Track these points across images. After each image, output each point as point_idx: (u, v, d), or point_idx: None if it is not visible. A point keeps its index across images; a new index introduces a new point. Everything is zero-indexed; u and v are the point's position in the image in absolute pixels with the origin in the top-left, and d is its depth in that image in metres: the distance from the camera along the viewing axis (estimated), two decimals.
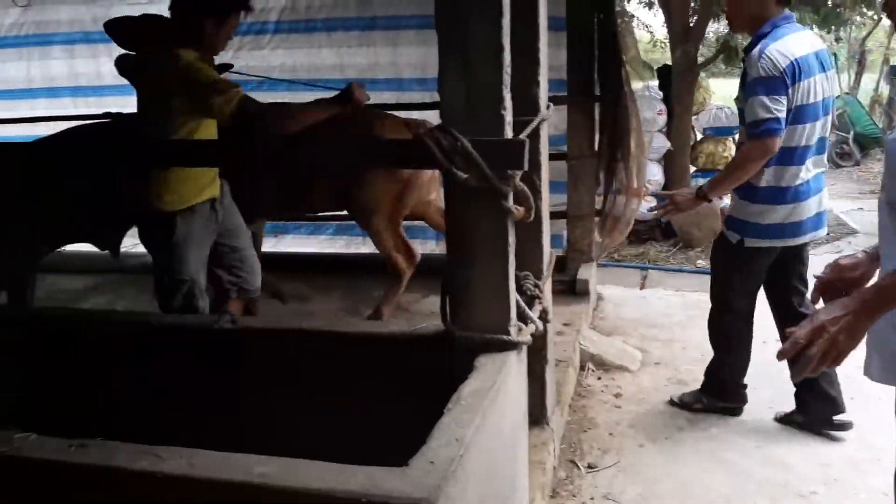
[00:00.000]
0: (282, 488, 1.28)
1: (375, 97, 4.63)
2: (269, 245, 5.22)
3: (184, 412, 2.10)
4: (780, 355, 1.37)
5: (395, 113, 4.78)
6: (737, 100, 3.20)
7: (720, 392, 3.16)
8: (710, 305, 3.16)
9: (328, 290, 4.45)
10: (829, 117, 2.87)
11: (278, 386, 2.14)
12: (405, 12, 4.65)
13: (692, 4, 6.92)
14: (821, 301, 1.61)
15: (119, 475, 1.36)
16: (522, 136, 1.92)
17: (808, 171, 2.82)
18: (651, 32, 10.12)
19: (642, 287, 5.20)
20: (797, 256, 2.96)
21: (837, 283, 1.61)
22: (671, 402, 3.26)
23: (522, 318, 1.97)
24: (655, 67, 7.62)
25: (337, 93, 2.67)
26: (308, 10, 4.79)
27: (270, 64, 4.92)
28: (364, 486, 1.25)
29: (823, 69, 2.79)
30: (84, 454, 1.41)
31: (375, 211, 3.66)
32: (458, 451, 1.35)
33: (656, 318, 4.38)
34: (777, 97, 2.66)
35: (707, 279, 3.21)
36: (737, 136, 6.61)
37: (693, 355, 3.72)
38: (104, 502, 1.41)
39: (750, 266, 2.95)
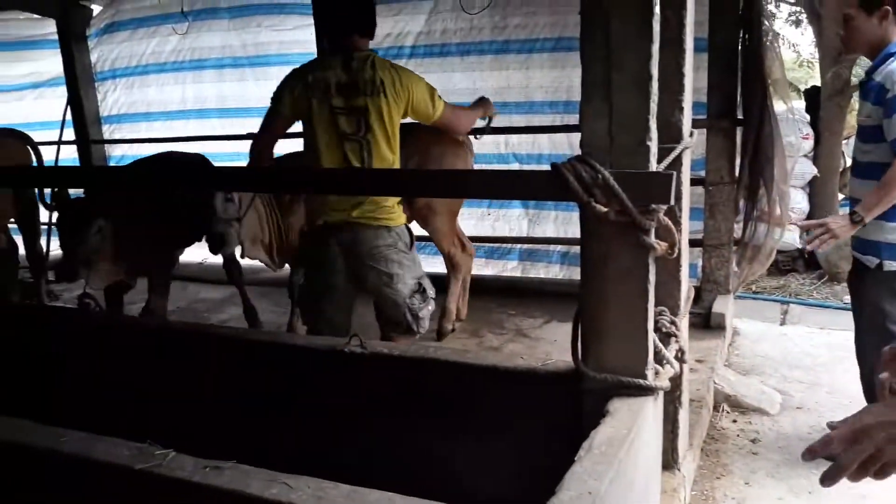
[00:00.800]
0: None
1: (506, 120, 4.66)
2: None
3: (309, 430, 2.13)
4: (807, 454, 1.07)
5: (525, 136, 4.80)
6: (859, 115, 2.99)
7: None
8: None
9: None
10: None
11: (399, 412, 2.13)
12: (539, 35, 4.62)
13: None
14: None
15: (250, 501, 1.37)
16: (664, 164, 1.82)
17: None
18: (798, 52, 9.58)
19: (783, 323, 4.87)
20: None
21: None
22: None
23: (658, 359, 1.86)
24: (802, 89, 7.18)
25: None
26: (443, 35, 4.85)
27: None
28: None
29: None
30: (218, 476, 1.44)
31: (438, 211, 3.77)
32: None
33: (798, 357, 4.07)
34: None
35: None
36: None
37: (840, 401, 3.42)
38: None
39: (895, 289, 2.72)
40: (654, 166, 1.69)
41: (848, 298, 5.27)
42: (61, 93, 6.01)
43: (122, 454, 1.54)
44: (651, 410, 1.74)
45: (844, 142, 6.71)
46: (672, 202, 1.63)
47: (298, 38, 5.37)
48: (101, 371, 2.50)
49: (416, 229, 4.45)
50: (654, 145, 1.68)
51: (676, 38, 2.12)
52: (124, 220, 3.42)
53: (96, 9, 6.09)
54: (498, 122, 4.43)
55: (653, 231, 1.68)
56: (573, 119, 4.22)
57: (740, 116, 4.04)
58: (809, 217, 6.30)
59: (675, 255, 1.75)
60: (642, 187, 1.62)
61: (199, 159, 4.12)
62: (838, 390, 3.54)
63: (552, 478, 1.37)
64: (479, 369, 2.07)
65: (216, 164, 4.08)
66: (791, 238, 5.86)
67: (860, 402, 2.91)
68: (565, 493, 1.31)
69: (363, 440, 2.15)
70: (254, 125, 5.49)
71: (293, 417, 2.23)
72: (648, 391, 1.72)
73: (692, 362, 3.40)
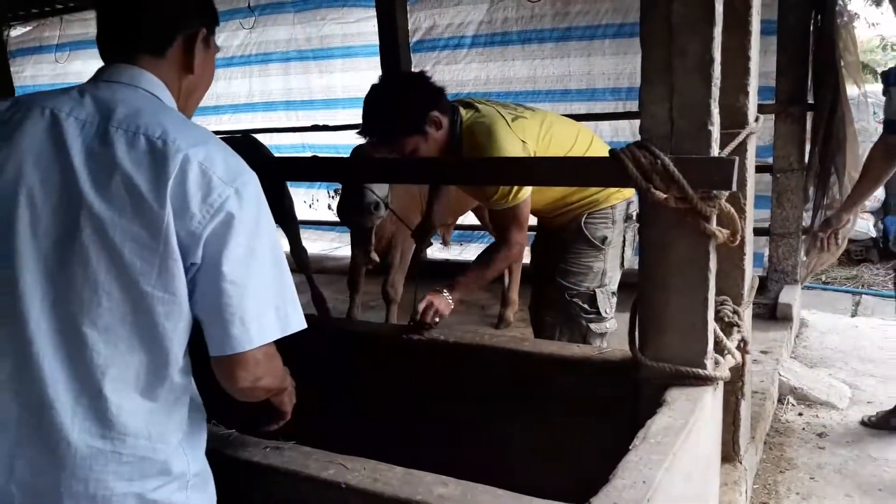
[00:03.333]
0: None
1: (566, 108, 4.63)
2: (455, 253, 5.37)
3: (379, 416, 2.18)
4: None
5: (586, 124, 4.74)
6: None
7: None
8: None
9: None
10: None
11: (454, 398, 2.15)
12: (601, 21, 4.56)
13: None
14: None
15: (307, 481, 1.42)
16: (727, 150, 1.78)
17: None
18: (880, 34, 9.15)
19: (854, 314, 4.70)
20: None
21: None
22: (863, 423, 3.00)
23: (719, 349, 1.82)
24: (879, 71, 6.88)
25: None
26: (504, 23, 4.84)
27: (464, 78, 5.05)
28: None
29: None
30: (278, 456, 1.49)
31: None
32: (645, 494, 1.27)
33: (870, 350, 3.92)
34: None
35: None
36: None
37: None
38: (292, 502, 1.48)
39: None
40: (715, 152, 1.65)
41: None
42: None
43: None
44: (710, 401, 1.71)
45: None
46: (734, 188, 1.60)
47: (361, 31, 5.43)
48: None
49: (470, 218, 4.50)
50: (715, 130, 1.64)
51: (742, 19, 2.07)
52: None
53: None
54: (559, 109, 4.41)
55: (714, 218, 1.64)
56: (636, 106, 4.14)
57: (811, 101, 3.90)
58: (885, 205, 6.07)
59: (737, 242, 1.71)
60: (703, 173, 1.59)
61: (250, 142, 4.25)
62: None
63: (607, 467, 1.37)
64: (536, 357, 2.07)
65: (280, 155, 4.18)
66: (864, 227, 5.65)
67: None
68: (619, 481, 1.31)
69: (417, 426, 2.18)
70: (318, 117, 5.65)
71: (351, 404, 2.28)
72: (707, 381, 1.69)
73: (756, 354, 3.32)
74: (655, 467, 1.35)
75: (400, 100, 2.27)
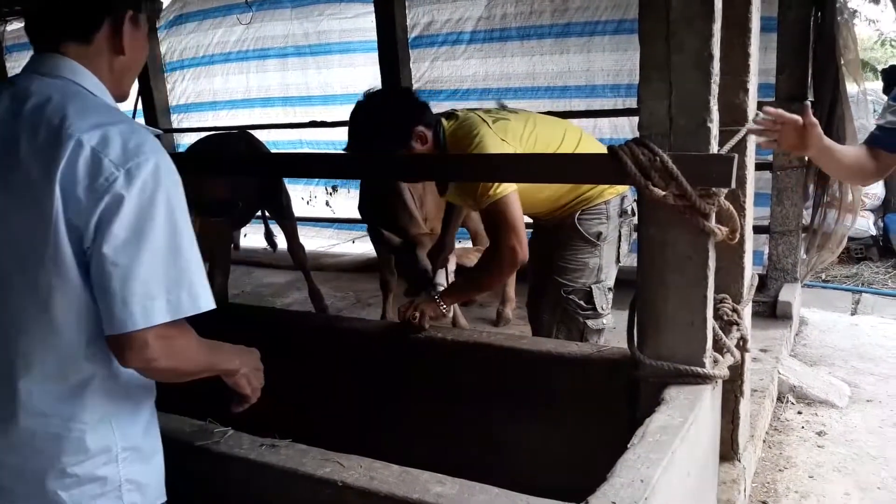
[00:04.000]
0: None
1: (565, 105, 4.61)
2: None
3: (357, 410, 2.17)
4: None
5: (586, 120, 4.73)
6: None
7: None
8: None
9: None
10: None
11: (452, 396, 2.15)
12: (600, 18, 4.55)
13: None
14: None
15: (303, 479, 1.41)
16: (727, 147, 1.77)
17: None
18: (878, 30, 9.14)
19: (854, 313, 4.69)
20: None
21: None
22: None
23: (718, 347, 1.82)
24: (880, 69, 6.87)
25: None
26: (503, 20, 4.82)
27: (463, 73, 5.03)
28: None
29: None
30: (273, 454, 1.48)
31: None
32: (642, 494, 1.26)
33: (870, 349, 3.91)
34: None
35: None
36: None
37: None
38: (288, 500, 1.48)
39: None
40: (714, 149, 1.64)
41: None
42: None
43: (183, 430, 1.59)
44: (709, 399, 1.71)
45: None
46: (733, 185, 1.59)
47: (359, 26, 5.41)
48: None
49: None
50: (714, 127, 1.63)
51: (741, 16, 2.06)
52: None
53: (165, 1, 6.27)
54: (558, 106, 4.39)
55: (713, 215, 1.64)
56: (635, 103, 4.12)
57: (811, 98, 3.89)
58: (886, 203, 6.06)
59: (736, 240, 1.70)
60: (702, 170, 1.58)
61: (245, 138, 4.24)
62: None
63: (605, 464, 1.36)
64: (534, 355, 2.07)
65: (278, 151, 4.17)
66: (864, 225, 5.63)
67: None
68: (617, 480, 1.30)
69: (415, 424, 2.18)
70: (316, 113, 5.63)
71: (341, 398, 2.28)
72: (706, 380, 1.68)
73: (756, 352, 3.31)
74: (653, 466, 1.34)
75: (384, 116, 2.29)
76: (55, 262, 1.14)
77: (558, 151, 2.40)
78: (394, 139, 2.27)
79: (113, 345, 1.18)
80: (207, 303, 1.21)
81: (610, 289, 2.56)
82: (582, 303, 2.48)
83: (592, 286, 2.49)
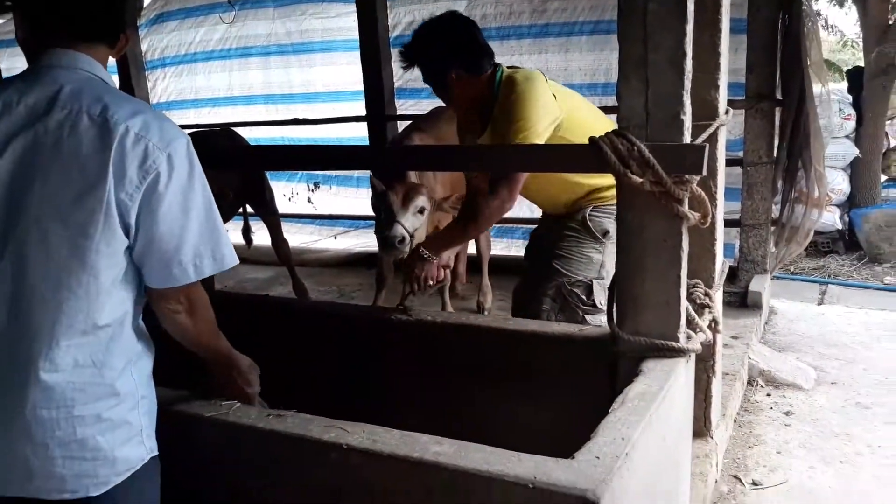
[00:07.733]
0: (454, 467, 1.37)
1: None
2: None
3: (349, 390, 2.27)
4: None
5: None
6: None
7: None
8: None
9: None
10: None
11: (442, 374, 2.26)
12: (578, 18, 4.68)
13: (893, 0, 6.38)
14: None
15: (309, 443, 1.51)
16: (700, 140, 1.90)
17: None
18: (840, 32, 9.42)
19: (820, 303, 4.87)
20: None
21: None
22: None
23: (692, 326, 1.95)
24: (845, 70, 7.10)
25: None
26: (483, 20, 4.91)
27: None
28: (532, 472, 1.31)
29: None
30: (280, 422, 1.58)
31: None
32: (623, 449, 1.38)
33: (835, 336, 4.09)
34: None
35: None
36: None
37: (876, 378, 3.46)
38: (297, 465, 1.58)
39: None
40: (688, 140, 1.77)
41: (889, 279, 5.29)
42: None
43: (193, 404, 1.69)
44: (683, 372, 1.83)
45: (888, 123, 6.63)
46: (704, 173, 1.72)
47: (341, 25, 5.49)
48: None
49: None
50: (688, 120, 1.76)
51: (712, 18, 2.20)
52: None
53: (146, 0, 6.29)
54: None
55: (686, 201, 1.76)
56: (612, 101, 4.24)
57: (779, 97, 4.05)
58: (851, 198, 6.27)
59: (707, 224, 1.83)
60: (676, 158, 1.71)
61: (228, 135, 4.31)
62: (874, 367, 3.57)
63: (588, 437, 1.47)
64: (519, 334, 2.18)
65: None
66: (830, 219, 5.84)
67: None
68: (600, 438, 1.42)
69: (404, 405, 2.28)
70: (298, 111, 5.70)
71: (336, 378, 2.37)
72: (680, 353, 1.81)
73: (728, 339, 3.46)
74: (633, 427, 1.46)
75: (434, 43, 2.49)
76: (105, 233, 1.29)
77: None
78: (431, 68, 2.52)
79: (157, 296, 1.40)
80: (234, 258, 1.44)
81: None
82: (583, 297, 2.56)
83: (594, 280, 2.56)
